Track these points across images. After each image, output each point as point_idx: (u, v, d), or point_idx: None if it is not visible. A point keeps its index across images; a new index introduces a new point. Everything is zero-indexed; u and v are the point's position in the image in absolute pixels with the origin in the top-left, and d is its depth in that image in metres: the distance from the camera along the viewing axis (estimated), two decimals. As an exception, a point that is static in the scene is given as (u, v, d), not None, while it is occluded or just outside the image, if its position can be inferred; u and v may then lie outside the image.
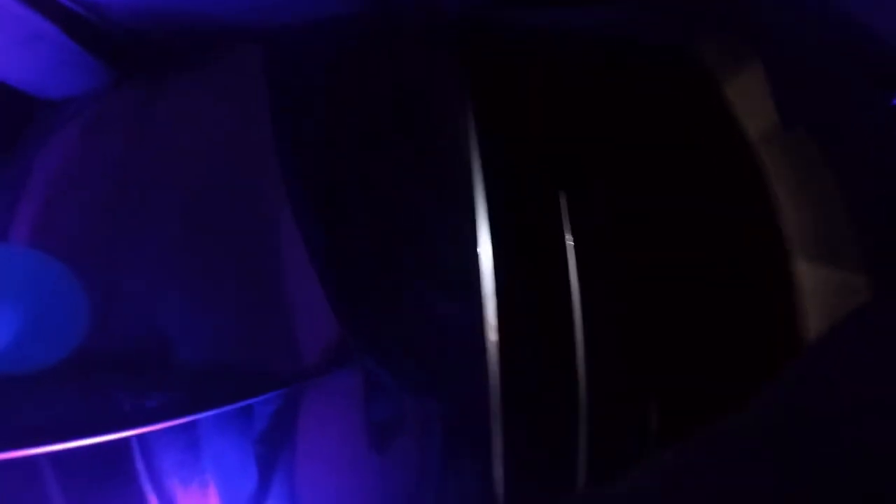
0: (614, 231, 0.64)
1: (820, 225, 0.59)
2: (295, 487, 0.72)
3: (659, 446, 0.60)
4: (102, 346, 0.74)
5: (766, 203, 0.60)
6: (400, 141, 0.68)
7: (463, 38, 0.67)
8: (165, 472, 0.73)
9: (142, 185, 0.75)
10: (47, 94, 0.75)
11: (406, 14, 0.69)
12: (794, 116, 0.60)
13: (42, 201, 0.77)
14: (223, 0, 0.68)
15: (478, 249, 0.64)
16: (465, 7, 0.67)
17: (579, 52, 0.65)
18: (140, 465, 0.73)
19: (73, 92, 0.75)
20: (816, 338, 0.57)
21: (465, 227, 0.64)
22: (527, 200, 0.65)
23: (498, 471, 0.61)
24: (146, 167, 0.75)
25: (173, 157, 0.74)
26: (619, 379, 0.62)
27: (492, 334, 0.63)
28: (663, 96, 0.64)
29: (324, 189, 0.70)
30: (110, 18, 0.69)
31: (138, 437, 0.73)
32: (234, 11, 0.70)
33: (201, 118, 0.74)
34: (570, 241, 0.64)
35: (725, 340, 0.60)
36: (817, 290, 0.57)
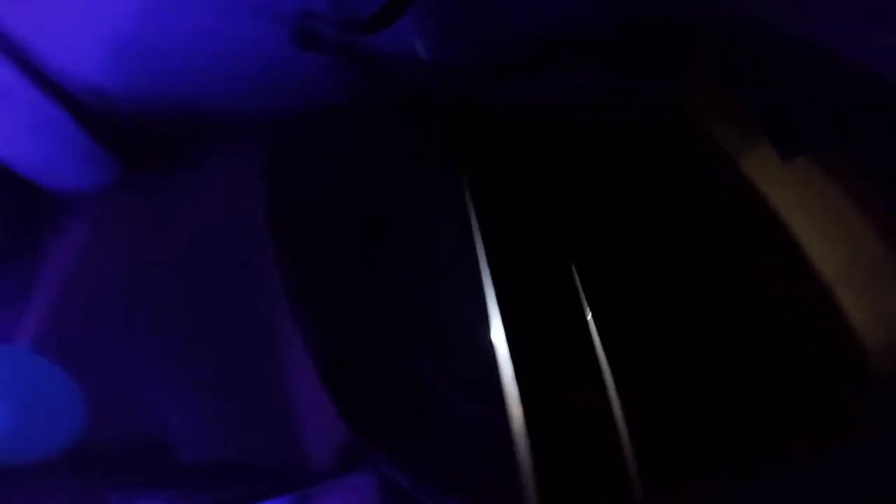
0: (638, 299, 0.60)
1: (855, 255, 0.56)
2: None
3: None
4: (100, 443, 0.71)
5: (794, 245, 0.57)
6: (400, 231, 0.66)
7: (452, 119, 0.65)
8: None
9: (145, 282, 0.73)
10: (54, 185, 0.74)
11: (394, 99, 0.68)
12: (793, 151, 0.57)
13: (50, 300, 0.76)
14: (223, 93, 0.68)
15: (491, 339, 0.60)
16: (447, 86, 0.65)
17: (565, 119, 0.63)
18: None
19: (79, 183, 0.74)
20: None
21: (477, 317, 0.61)
22: (537, 279, 0.62)
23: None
24: (149, 264, 0.73)
25: (175, 254, 0.73)
26: (663, 474, 0.56)
27: (519, 433, 0.57)
28: (658, 154, 0.61)
29: (322, 286, 0.67)
30: (118, 107, 0.68)
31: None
32: (233, 104, 0.70)
33: (202, 213, 0.73)
34: (589, 316, 0.59)
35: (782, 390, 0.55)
36: (866, 321, 0.54)
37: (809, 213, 0.57)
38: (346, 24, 0.59)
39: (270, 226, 0.68)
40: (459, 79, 0.64)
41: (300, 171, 0.68)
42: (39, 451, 0.67)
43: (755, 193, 0.58)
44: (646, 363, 0.58)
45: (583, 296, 0.60)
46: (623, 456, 0.56)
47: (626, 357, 0.58)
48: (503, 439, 0.59)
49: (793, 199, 0.57)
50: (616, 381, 0.57)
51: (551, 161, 0.62)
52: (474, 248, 0.61)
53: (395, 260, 0.65)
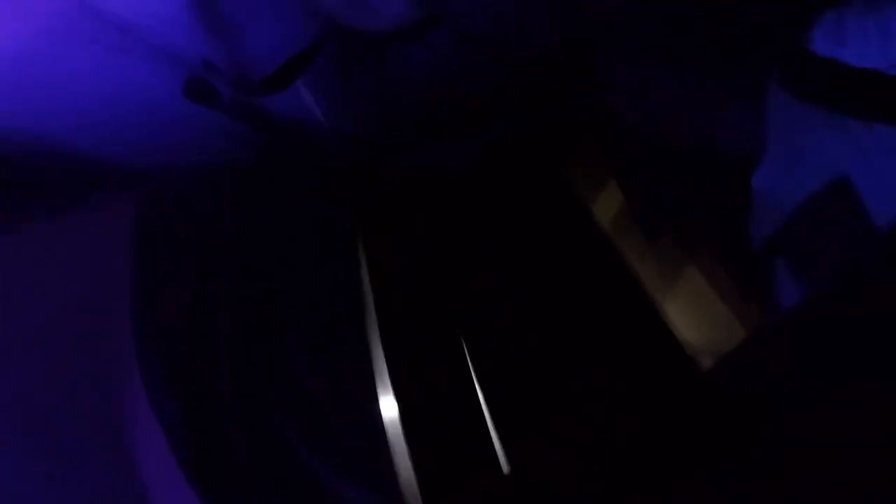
0: (521, 370, 0.62)
1: (714, 332, 0.60)
2: None
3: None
4: None
5: (659, 323, 0.61)
6: (283, 300, 0.64)
7: (350, 184, 0.66)
8: None
9: None
10: None
11: (289, 160, 0.68)
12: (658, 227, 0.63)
13: None
14: (103, 139, 0.64)
15: (381, 419, 0.59)
16: (349, 153, 0.67)
17: (458, 186, 0.66)
18: None
19: None
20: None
21: (364, 396, 0.60)
22: (428, 352, 0.62)
23: None
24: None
25: (17, 310, 0.65)
26: None
27: None
28: (543, 227, 0.65)
29: (186, 358, 0.63)
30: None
31: None
32: (112, 152, 0.65)
33: (56, 266, 0.66)
34: (478, 390, 0.60)
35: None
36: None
37: (673, 293, 0.62)
38: (241, 81, 0.60)
39: (133, 287, 0.63)
40: (356, 143, 0.66)
41: (175, 229, 0.65)
42: None
43: (627, 273, 0.63)
44: (534, 435, 0.59)
45: (472, 368, 0.61)
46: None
47: (515, 430, 0.59)
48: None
49: (658, 279, 0.62)
50: (507, 455, 0.58)
51: (444, 227, 0.64)
52: (364, 321, 0.60)
53: (275, 331, 0.63)
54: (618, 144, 0.66)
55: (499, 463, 0.57)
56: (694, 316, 0.61)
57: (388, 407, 0.59)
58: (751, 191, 0.63)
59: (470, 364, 0.60)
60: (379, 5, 0.56)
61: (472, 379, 0.59)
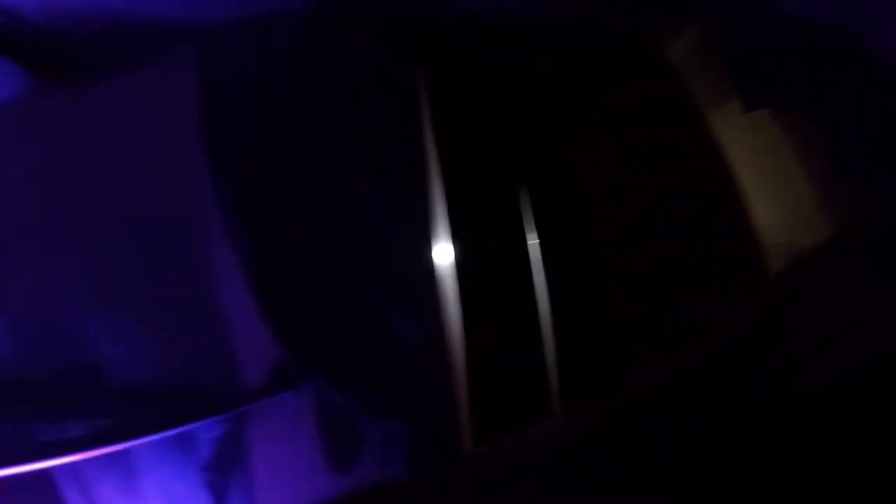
0: (579, 227, 0.61)
1: (785, 210, 0.58)
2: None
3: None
4: (18, 373, 0.69)
5: (731, 189, 0.59)
6: (347, 143, 0.64)
7: (414, 34, 0.63)
8: (104, 502, 0.68)
9: (61, 198, 0.69)
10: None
11: (350, 9, 0.65)
12: (755, 100, 0.59)
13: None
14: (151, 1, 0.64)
15: (434, 257, 0.61)
16: (411, 4, 0.63)
17: (534, 40, 0.63)
18: (75, 498, 0.68)
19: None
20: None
21: (421, 234, 0.61)
22: (487, 201, 0.62)
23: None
24: (66, 179, 0.69)
25: (96, 169, 0.69)
26: (592, 388, 0.59)
27: (458, 355, 0.59)
28: (618, 83, 0.62)
29: (260, 199, 0.65)
30: (24, 20, 0.64)
31: (70, 468, 0.68)
32: (163, 12, 0.65)
33: (128, 126, 0.69)
34: (532, 241, 0.61)
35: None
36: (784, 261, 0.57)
37: (757, 169, 0.59)
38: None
39: (204, 137, 0.65)
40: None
41: (238, 77, 0.65)
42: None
43: (710, 141, 0.60)
44: (581, 289, 0.61)
45: (530, 220, 0.62)
46: (549, 380, 0.60)
47: (563, 283, 0.60)
48: (440, 360, 0.61)
49: (745, 152, 0.59)
50: (552, 306, 0.60)
51: (510, 80, 0.61)
52: (426, 164, 0.61)
53: (340, 173, 0.64)
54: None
55: (538, 315, 0.58)
56: (772, 194, 0.58)
57: (444, 250, 0.61)
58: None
59: (527, 220, 0.61)
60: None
61: (525, 233, 0.60)
